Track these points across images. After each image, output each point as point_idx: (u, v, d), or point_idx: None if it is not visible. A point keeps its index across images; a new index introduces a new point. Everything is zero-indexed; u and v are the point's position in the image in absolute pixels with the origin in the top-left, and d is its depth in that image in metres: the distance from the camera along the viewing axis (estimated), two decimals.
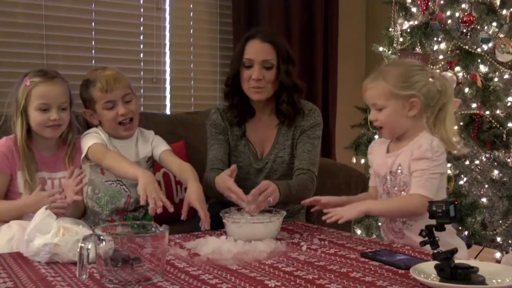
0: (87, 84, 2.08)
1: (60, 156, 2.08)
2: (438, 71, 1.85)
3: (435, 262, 1.33)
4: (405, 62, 1.84)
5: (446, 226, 1.42)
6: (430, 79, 1.77)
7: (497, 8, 3.05)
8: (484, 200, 3.00)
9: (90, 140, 2.05)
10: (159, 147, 2.16)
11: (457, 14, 3.15)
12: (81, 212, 2.08)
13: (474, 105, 3.04)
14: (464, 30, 3.12)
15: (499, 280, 1.31)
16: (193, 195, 1.90)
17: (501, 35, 3.02)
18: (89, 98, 2.08)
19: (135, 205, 2.13)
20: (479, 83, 2.99)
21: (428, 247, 1.40)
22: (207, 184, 2.09)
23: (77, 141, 2.10)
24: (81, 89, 2.12)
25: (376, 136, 3.46)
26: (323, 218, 1.76)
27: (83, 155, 2.06)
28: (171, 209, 1.81)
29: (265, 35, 2.16)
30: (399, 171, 1.78)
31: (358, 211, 1.75)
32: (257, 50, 2.13)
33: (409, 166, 1.76)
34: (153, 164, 2.19)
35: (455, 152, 1.87)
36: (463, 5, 3.13)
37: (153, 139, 2.18)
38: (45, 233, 1.56)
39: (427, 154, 1.72)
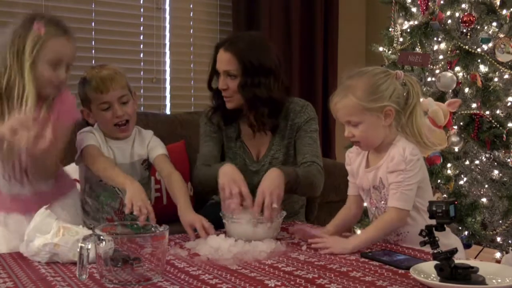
0: (84, 83, 2.05)
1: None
2: (401, 72, 1.79)
3: (435, 262, 1.33)
4: (368, 71, 1.77)
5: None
6: (396, 83, 1.74)
7: (497, 8, 3.05)
8: (484, 200, 3.00)
9: (85, 140, 2.02)
10: (155, 150, 2.10)
11: (457, 14, 3.15)
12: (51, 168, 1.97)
13: (474, 105, 3.04)
14: (464, 30, 3.12)
15: (499, 280, 1.31)
16: (189, 216, 1.87)
17: (501, 35, 3.02)
18: (85, 97, 2.05)
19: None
20: (479, 83, 2.99)
21: (428, 247, 1.40)
22: (198, 178, 2.08)
23: (65, 94, 1.94)
24: (78, 87, 2.08)
25: None
26: (313, 246, 1.71)
27: (78, 155, 2.03)
28: (153, 221, 1.74)
29: (230, 44, 2.09)
30: (381, 185, 1.77)
31: (349, 251, 1.67)
32: (221, 59, 2.09)
33: (387, 179, 1.74)
34: (149, 166, 2.14)
35: (429, 152, 1.84)
36: (463, 5, 3.13)
37: (149, 140, 2.12)
38: (45, 233, 1.56)
39: (400, 166, 1.70)
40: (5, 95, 1.77)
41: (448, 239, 1.76)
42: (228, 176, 1.88)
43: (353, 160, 1.89)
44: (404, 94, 1.75)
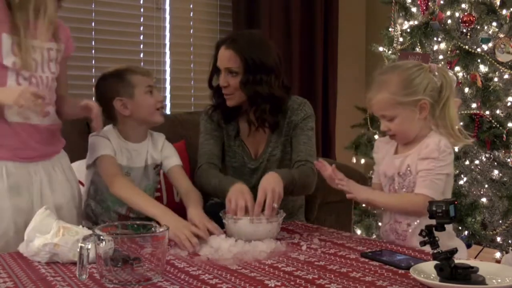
0: (122, 73, 2.03)
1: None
2: (434, 64, 1.82)
3: (435, 262, 1.33)
4: (400, 65, 1.80)
5: (446, 228, 1.42)
6: (430, 75, 1.76)
7: (497, 8, 3.06)
8: (484, 200, 3.00)
9: (100, 147, 1.97)
10: (171, 159, 2.09)
11: (457, 14, 3.15)
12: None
13: (474, 105, 3.04)
14: (464, 30, 3.12)
15: (499, 280, 1.31)
16: (196, 217, 1.83)
17: (501, 35, 3.02)
18: (126, 85, 2.00)
19: (138, 213, 2.10)
20: (479, 83, 2.99)
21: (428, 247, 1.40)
22: (201, 177, 2.09)
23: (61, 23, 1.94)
24: (109, 81, 2.03)
25: (376, 136, 3.46)
26: (336, 181, 1.81)
27: (90, 162, 2.00)
28: (216, 230, 1.76)
29: (232, 42, 2.10)
30: (408, 172, 1.78)
31: (365, 198, 1.79)
32: (222, 57, 2.10)
33: (416, 166, 1.75)
34: (160, 171, 2.14)
35: (461, 144, 1.85)
36: (463, 5, 3.13)
37: (162, 146, 2.12)
38: (45, 233, 1.56)
39: (434, 154, 1.72)
40: (18, 7, 1.75)
41: (453, 241, 1.76)
42: (237, 190, 1.88)
43: (381, 148, 1.91)
44: (438, 86, 1.77)
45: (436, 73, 1.77)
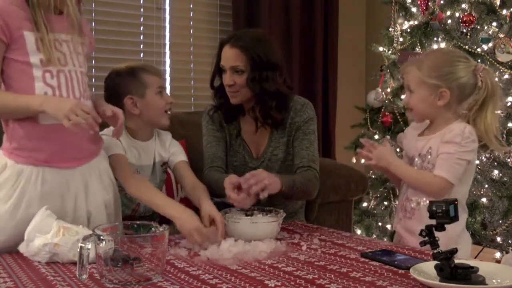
0: (136, 71, 2.01)
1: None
2: (483, 65, 1.86)
3: (435, 262, 1.33)
4: (448, 51, 1.94)
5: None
6: (468, 72, 1.80)
7: (497, 8, 3.05)
8: (484, 200, 3.00)
9: (112, 147, 1.96)
10: (177, 156, 2.11)
11: (457, 14, 3.15)
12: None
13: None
14: (464, 30, 3.12)
15: (499, 280, 1.31)
16: (211, 207, 1.85)
17: (501, 35, 3.02)
18: (139, 84, 2.00)
19: (144, 212, 2.11)
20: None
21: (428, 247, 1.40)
22: (206, 183, 2.09)
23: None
24: (122, 77, 2.02)
25: (376, 136, 3.47)
26: (358, 150, 1.91)
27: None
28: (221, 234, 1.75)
29: (236, 40, 2.09)
30: (428, 153, 1.81)
31: (384, 165, 1.85)
32: (227, 56, 2.10)
33: (438, 148, 1.78)
34: (166, 168, 2.15)
35: (491, 148, 1.88)
36: (463, 5, 3.13)
37: (169, 143, 2.13)
38: (45, 233, 1.56)
39: (457, 138, 1.75)
40: (36, 4, 1.71)
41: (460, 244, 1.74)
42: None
43: (408, 134, 1.97)
44: (473, 85, 1.81)
45: (481, 74, 1.81)
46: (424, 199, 1.80)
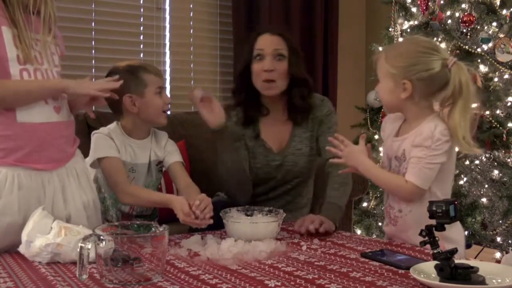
0: (135, 69, 2.02)
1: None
2: (455, 60, 1.74)
3: (435, 262, 1.33)
4: (419, 41, 1.76)
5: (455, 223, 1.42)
6: (438, 65, 1.69)
7: (497, 8, 3.06)
8: (484, 200, 3.00)
9: (103, 147, 1.97)
10: (173, 156, 2.10)
11: (457, 14, 3.15)
12: None
13: (474, 105, 3.04)
14: (464, 30, 3.12)
15: (499, 280, 1.31)
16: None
17: (501, 35, 3.02)
18: (138, 83, 2.00)
19: (141, 211, 2.11)
20: (479, 83, 2.98)
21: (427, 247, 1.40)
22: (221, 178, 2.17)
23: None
24: (122, 75, 1.98)
25: (376, 136, 3.47)
26: (327, 148, 1.90)
27: (93, 160, 1.98)
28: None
29: (275, 30, 2.25)
30: (403, 157, 1.75)
31: (353, 165, 1.82)
32: (268, 42, 2.19)
33: (410, 152, 1.72)
34: (162, 168, 2.14)
35: (459, 149, 1.77)
36: (463, 5, 3.14)
37: (166, 143, 2.12)
38: (45, 234, 1.56)
39: (426, 142, 1.67)
40: (12, 3, 1.71)
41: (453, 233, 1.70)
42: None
43: (387, 128, 1.89)
44: (441, 79, 1.69)
45: (451, 69, 1.70)
46: (405, 206, 1.75)
